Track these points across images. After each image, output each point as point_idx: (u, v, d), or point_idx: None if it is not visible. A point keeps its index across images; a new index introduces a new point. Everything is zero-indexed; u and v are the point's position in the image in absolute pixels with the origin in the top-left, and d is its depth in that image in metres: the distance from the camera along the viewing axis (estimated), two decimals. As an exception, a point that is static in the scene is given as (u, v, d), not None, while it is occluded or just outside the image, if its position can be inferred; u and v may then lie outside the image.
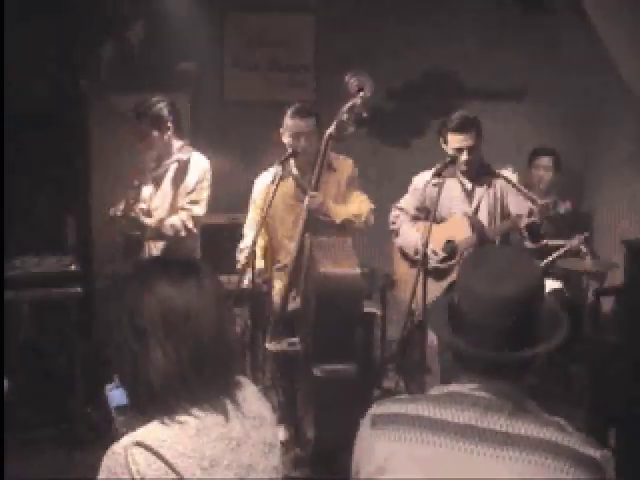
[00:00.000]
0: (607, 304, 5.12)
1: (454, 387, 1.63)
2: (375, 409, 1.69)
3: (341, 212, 4.09)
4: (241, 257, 4.16)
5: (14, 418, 4.10)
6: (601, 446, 1.54)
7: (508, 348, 1.57)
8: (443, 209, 4.24)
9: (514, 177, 4.27)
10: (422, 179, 4.30)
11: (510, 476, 1.48)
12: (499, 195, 4.26)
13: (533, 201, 4.07)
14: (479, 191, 4.27)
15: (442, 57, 6.05)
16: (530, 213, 4.05)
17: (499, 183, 4.25)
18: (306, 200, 4.02)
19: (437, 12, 6.00)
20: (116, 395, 1.80)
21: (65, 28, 5.21)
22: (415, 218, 4.41)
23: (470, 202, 4.28)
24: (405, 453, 1.56)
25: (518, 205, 4.20)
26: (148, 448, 1.53)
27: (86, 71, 5.40)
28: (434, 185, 4.05)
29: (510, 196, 4.24)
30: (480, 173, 4.28)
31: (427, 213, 4.24)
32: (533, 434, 1.51)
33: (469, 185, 4.29)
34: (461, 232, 4.23)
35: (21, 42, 5.09)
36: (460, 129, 4.14)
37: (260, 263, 4.15)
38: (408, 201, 4.46)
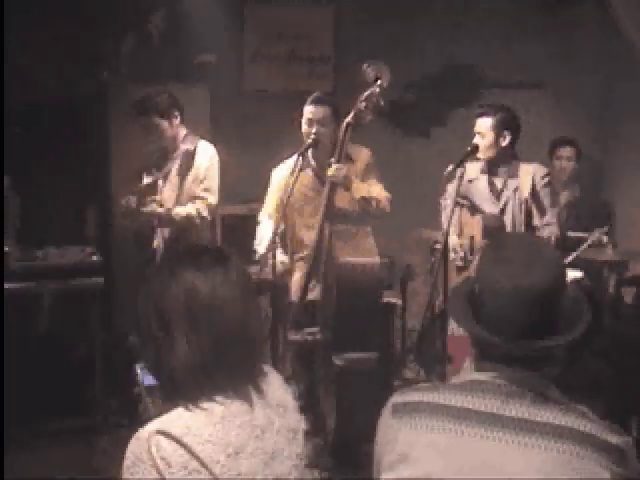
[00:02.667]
0: (628, 295, 5.08)
1: (475, 376, 1.63)
2: (396, 397, 1.69)
3: (362, 189, 4.09)
4: (259, 248, 4.17)
5: (34, 409, 4.15)
6: (624, 433, 1.54)
7: (530, 338, 1.56)
8: (476, 202, 4.25)
9: (542, 171, 4.24)
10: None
11: (533, 463, 1.48)
12: (525, 195, 4.21)
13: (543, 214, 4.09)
14: (507, 190, 4.23)
15: (461, 49, 6.03)
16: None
17: (528, 181, 4.20)
18: (330, 171, 4.01)
19: (456, 4, 5.98)
20: (147, 374, 1.80)
21: (85, 20, 5.23)
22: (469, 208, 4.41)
23: (498, 199, 4.25)
24: (427, 441, 1.57)
25: (542, 216, 4.19)
26: (172, 436, 1.53)
27: (106, 63, 5.41)
28: (459, 177, 4.01)
29: (534, 196, 4.21)
30: (510, 169, 4.24)
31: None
32: (555, 421, 1.51)
33: (498, 182, 4.25)
34: (479, 232, 4.23)
35: (41, 34, 5.13)
36: (479, 114, 4.17)
37: (280, 254, 4.16)
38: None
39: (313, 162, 4.23)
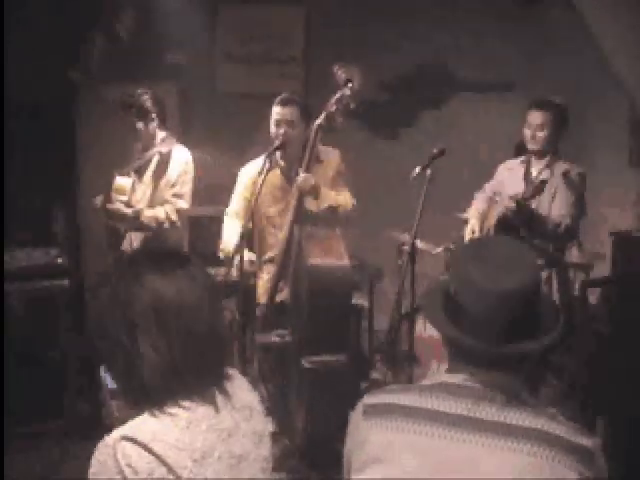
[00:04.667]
0: (592, 295, 5.14)
1: (445, 378, 1.63)
2: (367, 399, 1.69)
3: (329, 197, 4.10)
4: (225, 247, 4.16)
5: (3, 412, 4.11)
6: (592, 435, 1.55)
7: (509, 341, 1.57)
8: (509, 192, 4.40)
9: (577, 169, 4.31)
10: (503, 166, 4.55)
11: (503, 465, 1.49)
12: (554, 188, 4.31)
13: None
14: (538, 180, 4.35)
15: (434, 49, 6.05)
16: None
17: (559, 176, 4.29)
18: (298, 179, 4.01)
19: (429, 4, 6.00)
20: (111, 377, 1.80)
21: (55, 18, 5.18)
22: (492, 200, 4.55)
23: (528, 187, 4.37)
24: (398, 443, 1.57)
25: (559, 206, 4.27)
26: (138, 442, 1.53)
27: (75, 62, 5.37)
28: (509, 169, 4.39)
29: (559, 194, 4.29)
30: (548, 161, 4.35)
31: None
32: (525, 424, 1.52)
33: (534, 171, 4.39)
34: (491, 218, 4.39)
35: (10, 31, 5.06)
36: (533, 107, 4.32)
37: (248, 254, 4.16)
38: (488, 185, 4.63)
39: (281, 162, 4.23)
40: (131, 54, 5.50)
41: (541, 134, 4.31)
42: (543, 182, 4.29)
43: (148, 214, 4.42)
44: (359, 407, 1.69)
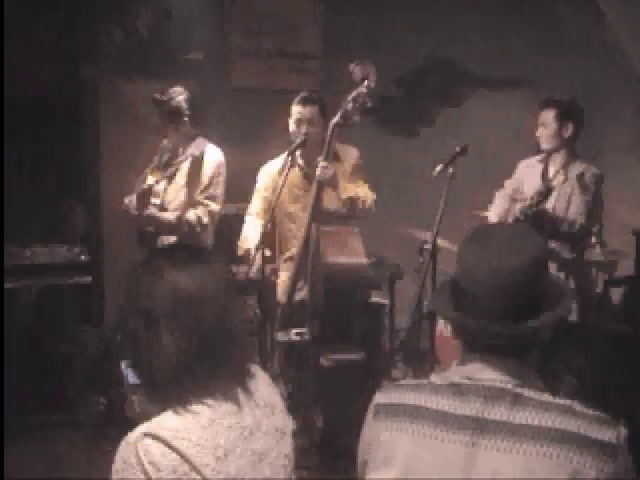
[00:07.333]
0: (616, 295, 5.10)
1: (457, 371, 1.62)
2: (378, 398, 1.68)
3: (349, 189, 4.09)
4: (244, 244, 4.15)
5: (21, 406, 4.14)
6: (615, 425, 1.49)
7: (511, 321, 1.54)
8: (526, 191, 4.39)
9: (593, 171, 4.29)
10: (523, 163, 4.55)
11: (513, 468, 1.47)
12: (571, 188, 4.28)
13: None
14: (556, 180, 4.33)
15: (444, 45, 6.03)
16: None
17: (575, 177, 4.27)
18: (318, 170, 4.01)
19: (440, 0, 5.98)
20: (132, 372, 1.80)
21: (73, 14, 5.19)
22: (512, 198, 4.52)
23: (546, 187, 4.33)
24: (408, 447, 1.56)
25: (575, 208, 4.25)
26: (161, 439, 1.53)
27: (93, 58, 5.39)
28: (528, 167, 4.39)
29: (574, 196, 4.27)
30: (565, 161, 4.33)
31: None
32: (535, 422, 1.49)
33: (551, 171, 4.37)
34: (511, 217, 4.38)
35: (28, 27, 5.08)
36: (544, 105, 4.32)
37: (268, 253, 4.16)
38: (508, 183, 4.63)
39: (301, 161, 4.23)
40: (148, 50, 5.49)
41: (546, 132, 4.31)
42: (549, 189, 4.25)
43: (183, 218, 4.32)
44: (371, 406, 1.68)
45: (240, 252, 4.17)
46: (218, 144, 4.47)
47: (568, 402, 1.53)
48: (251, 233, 4.15)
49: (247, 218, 4.34)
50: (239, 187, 4.66)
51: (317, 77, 6.10)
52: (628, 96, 5.35)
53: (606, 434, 1.47)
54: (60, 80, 5.24)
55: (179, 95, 4.32)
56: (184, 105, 4.31)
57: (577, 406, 1.52)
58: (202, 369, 1.60)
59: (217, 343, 1.63)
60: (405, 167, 5.71)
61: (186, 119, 4.32)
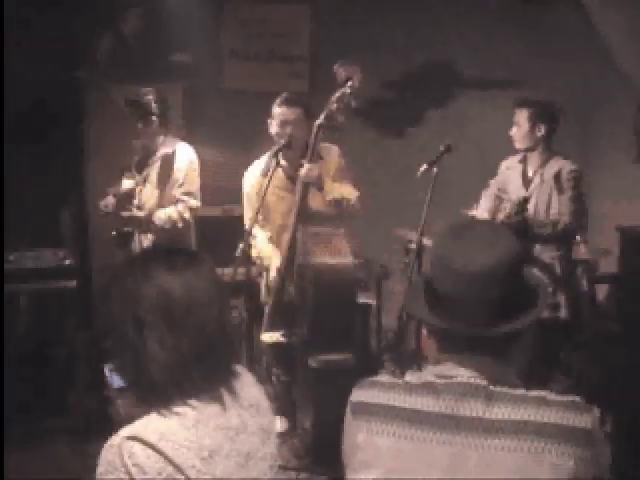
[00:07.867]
0: (600, 292, 5.12)
1: (431, 370, 1.61)
2: (354, 395, 1.67)
3: (334, 190, 4.09)
4: (261, 253, 4.16)
5: (15, 410, 4.12)
6: (588, 408, 1.50)
7: (483, 324, 1.53)
8: (510, 191, 4.44)
9: (570, 166, 4.31)
10: (504, 163, 4.59)
11: (491, 465, 1.46)
12: (550, 186, 4.31)
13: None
14: (536, 179, 4.36)
15: (440, 47, 6.04)
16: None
17: (554, 174, 4.31)
18: (302, 171, 4.00)
19: (436, 1, 5.98)
20: (116, 376, 1.79)
21: (63, 17, 5.18)
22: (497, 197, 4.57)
23: (527, 187, 4.38)
24: (387, 449, 1.55)
25: (556, 206, 4.28)
26: (146, 442, 1.52)
27: (83, 61, 5.38)
28: (509, 168, 4.44)
29: (553, 197, 4.31)
30: (542, 159, 4.37)
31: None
32: (511, 417, 1.48)
33: (530, 171, 4.41)
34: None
35: (17, 31, 5.07)
36: (517, 105, 4.38)
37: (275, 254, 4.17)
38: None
39: (284, 162, 4.22)
40: (138, 53, 5.49)
41: (519, 132, 4.35)
42: (526, 199, 4.23)
43: (161, 215, 4.42)
44: (348, 405, 1.67)
45: (259, 262, 4.16)
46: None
47: (542, 393, 1.53)
48: (263, 242, 4.20)
49: (255, 233, 4.21)
50: (229, 189, 4.67)
51: (309, 80, 6.12)
52: (628, 96, 5.37)
53: (581, 420, 1.47)
54: (50, 84, 5.22)
55: (147, 94, 4.39)
56: (152, 105, 4.38)
57: (550, 396, 1.52)
58: (197, 370, 1.60)
59: (210, 346, 1.63)
60: (399, 170, 5.72)
61: (154, 119, 4.41)
